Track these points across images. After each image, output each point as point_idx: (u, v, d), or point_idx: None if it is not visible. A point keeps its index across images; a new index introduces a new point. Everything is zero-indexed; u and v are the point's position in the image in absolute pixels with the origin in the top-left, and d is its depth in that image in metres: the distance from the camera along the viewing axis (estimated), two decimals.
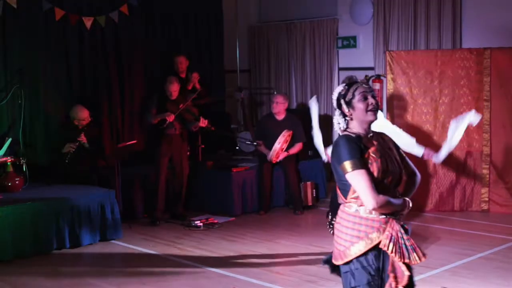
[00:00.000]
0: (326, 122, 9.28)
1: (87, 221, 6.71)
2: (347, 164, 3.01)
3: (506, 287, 5.25)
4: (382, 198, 3.00)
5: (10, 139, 7.02)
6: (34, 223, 6.35)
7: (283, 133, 7.81)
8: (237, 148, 9.49)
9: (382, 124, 5.66)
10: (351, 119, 3.17)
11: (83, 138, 7.51)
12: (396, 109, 7.90)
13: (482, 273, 5.57)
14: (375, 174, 3.04)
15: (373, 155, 3.07)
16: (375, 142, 3.14)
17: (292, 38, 10.29)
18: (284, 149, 7.96)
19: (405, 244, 3.06)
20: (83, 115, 7.63)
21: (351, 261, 3.09)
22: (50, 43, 8.08)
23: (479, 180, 7.81)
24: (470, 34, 8.44)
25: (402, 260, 3.04)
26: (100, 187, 7.19)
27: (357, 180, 3.00)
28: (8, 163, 6.87)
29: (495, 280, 5.38)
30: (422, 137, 5.87)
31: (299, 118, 8.49)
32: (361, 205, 3.08)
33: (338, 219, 3.18)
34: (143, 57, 9.04)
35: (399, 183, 3.19)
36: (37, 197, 6.57)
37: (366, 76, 9.16)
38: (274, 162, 7.94)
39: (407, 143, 5.77)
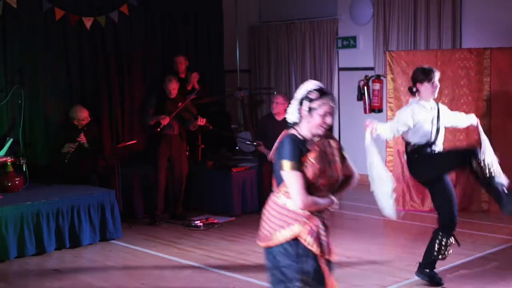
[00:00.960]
0: None
1: (87, 221, 6.71)
2: (285, 163, 3.31)
3: (506, 287, 5.25)
4: (310, 199, 3.28)
5: (11, 139, 7.01)
6: (34, 223, 6.35)
7: (282, 133, 7.78)
8: (237, 148, 9.49)
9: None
10: (307, 122, 3.36)
11: (82, 138, 7.51)
12: (396, 109, 7.88)
13: (482, 273, 5.58)
14: (310, 177, 3.29)
15: (312, 160, 3.30)
16: (317, 148, 3.34)
17: (292, 38, 10.28)
18: None
19: (321, 239, 3.32)
20: (82, 115, 7.63)
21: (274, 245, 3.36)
22: (50, 43, 8.09)
23: None
24: (470, 34, 8.43)
25: (321, 255, 3.32)
26: (100, 187, 7.19)
27: (291, 180, 3.28)
28: (8, 163, 6.88)
29: (495, 280, 5.38)
30: None
31: None
32: (289, 198, 3.34)
33: (267, 206, 3.49)
34: (143, 57, 9.04)
35: (333, 185, 3.39)
36: (37, 197, 6.56)
37: (366, 76, 9.16)
38: (274, 162, 7.92)
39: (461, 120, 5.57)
